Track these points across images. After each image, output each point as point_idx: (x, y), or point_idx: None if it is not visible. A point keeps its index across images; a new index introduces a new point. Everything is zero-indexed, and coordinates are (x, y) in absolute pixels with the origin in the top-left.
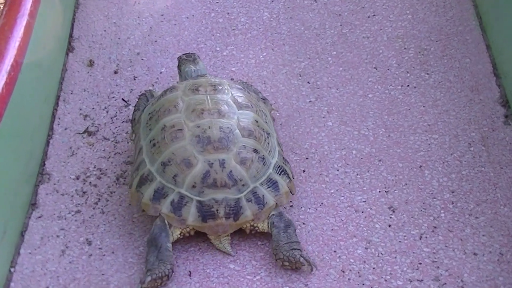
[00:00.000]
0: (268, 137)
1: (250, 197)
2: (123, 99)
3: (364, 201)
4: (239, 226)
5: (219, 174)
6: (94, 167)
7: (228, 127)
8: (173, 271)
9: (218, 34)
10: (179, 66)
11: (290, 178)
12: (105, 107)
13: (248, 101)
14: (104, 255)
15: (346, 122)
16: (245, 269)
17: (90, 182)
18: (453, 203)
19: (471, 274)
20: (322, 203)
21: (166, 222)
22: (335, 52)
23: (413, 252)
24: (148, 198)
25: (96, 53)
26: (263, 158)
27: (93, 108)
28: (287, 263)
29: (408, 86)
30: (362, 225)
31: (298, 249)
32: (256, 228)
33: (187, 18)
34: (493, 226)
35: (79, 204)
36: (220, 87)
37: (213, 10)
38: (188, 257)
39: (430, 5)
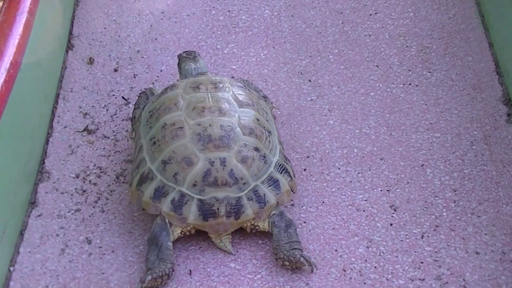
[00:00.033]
0: (269, 135)
1: (251, 196)
2: (123, 97)
3: (365, 200)
4: (240, 225)
5: (220, 172)
6: (94, 166)
7: (229, 125)
8: (173, 270)
9: (218, 32)
10: (179, 64)
11: (291, 177)
12: (105, 105)
13: (249, 99)
14: (104, 254)
15: (348, 120)
16: (246, 268)
17: (90, 181)
18: (455, 202)
19: (473, 273)
20: (323, 202)
21: (166, 221)
22: (336, 50)
23: (415, 251)
24: (149, 196)
25: (96, 51)
26: (264, 157)
27: (93, 106)
28: (287, 263)
29: (410, 84)
30: (363, 224)
31: (299, 249)
32: (257, 227)
33: (188, 15)
34: (496, 225)
35: (79, 202)
36: (221, 85)
37: (213, 7)
38: (189, 256)
39: (432, 3)
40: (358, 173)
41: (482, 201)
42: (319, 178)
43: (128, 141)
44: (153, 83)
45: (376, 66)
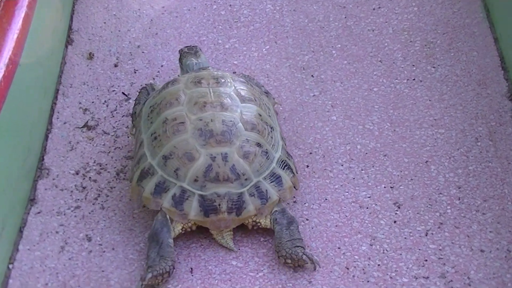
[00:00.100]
0: (271, 131)
1: (253, 192)
2: (123, 93)
3: (369, 197)
4: (242, 221)
5: (221, 168)
6: (94, 162)
7: (231, 121)
8: (174, 268)
9: (220, 27)
10: (180, 59)
11: (293, 173)
12: (105, 101)
13: (251, 94)
14: (104, 252)
15: (351, 116)
16: (248, 266)
17: (89, 177)
18: (459, 199)
19: (478, 271)
20: (326, 199)
21: (167, 217)
22: (339, 45)
23: (419, 249)
24: (149, 192)
25: (95, 46)
26: (267, 152)
27: (92, 102)
28: (289, 261)
29: (414, 80)
30: (366, 221)
31: (301, 247)
32: (259, 224)
33: (189, 10)
34: (501, 222)
35: (78, 199)
36: (223, 80)
37: (215, 2)
38: (190, 253)
39: None
40: (362, 170)
41: (487, 198)
42: (322, 174)
43: (128, 137)
44: (153, 79)
45: (380, 61)
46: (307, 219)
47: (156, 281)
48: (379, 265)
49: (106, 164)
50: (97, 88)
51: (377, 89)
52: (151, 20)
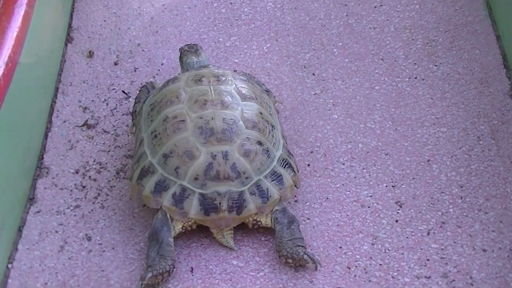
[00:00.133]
0: (272, 129)
1: (254, 190)
2: (123, 91)
3: (370, 196)
4: (242, 220)
5: (222, 166)
6: (94, 161)
7: (231, 119)
8: (174, 267)
9: (220, 25)
10: (180, 58)
11: (294, 172)
12: (105, 99)
13: (252, 92)
14: (104, 251)
15: (352, 115)
16: (249, 265)
17: (89, 176)
18: (461, 198)
19: (480, 270)
20: (327, 198)
21: (167, 215)
22: (340, 43)
23: (421, 248)
24: (149, 190)
25: (95, 44)
26: (267, 151)
27: (92, 101)
28: (290, 260)
29: (415, 78)
30: (368, 221)
31: (302, 246)
32: (259, 223)
33: (189, 8)
34: (503, 221)
35: (78, 198)
36: (224, 78)
37: (215, 0)
38: (190, 253)
39: None
40: (363, 169)
41: (490, 197)
42: (323, 173)
43: (128, 136)
44: (154, 77)
45: (381, 59)
46: (308, 218)
47: (156, 280)
48: (380, 264)
49: (106, 163)
50: (97, 87)
51: (378, 87)
52: (151, 18)
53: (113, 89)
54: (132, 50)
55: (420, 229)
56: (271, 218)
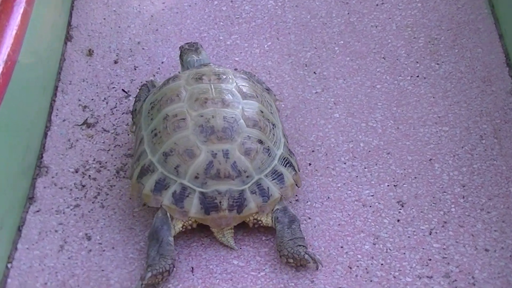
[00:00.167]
0: (273, 128)
1: (255, 189)
2: (123, 90)
3: (372, 195)
4: (243, 219)
5: (222, 165)
6: (94, 160)
7: (232, 117)
8: (174, 266)
9: (221, 23)
10: (181, 56)
11: (295, 171)
12: (104, 98)
13: (253, 91)
14: (104, 251)
15: (354, 113)
16: (249, 265)
17: (89, 175)
18: (464, 197)
19: (482, 270)
20: (328, 197)
21: (168, 214)
22: (342, 42)
23: (423, 248)
24: (149, 189)
25: (95, 42)
26: (268, 149)
27: (92, 99)
28: (291, 260)
29: (417, 76)
30: (370, 220)
31: (303, 246)
32: (260, 222)
33: (189, 6)
34: (506, 221)
35: (78, 198)
36: (224, 76)
37: None
38: (191, 252)
39: None
40: (365, 168)
41: (492, 197)
42: (324, 172)
43: (128, 134)
44: (154, 75)
45: (383, 58)
46: (309, 218)
47: (156, 280)
48: (382, 264)
49: (106, 162)
50: (96, 85)
51: (380, 86)
52: (152, 16)
53: (113, 87)
54: (132, 49)
55: (422, 229)
56: (272, 218)
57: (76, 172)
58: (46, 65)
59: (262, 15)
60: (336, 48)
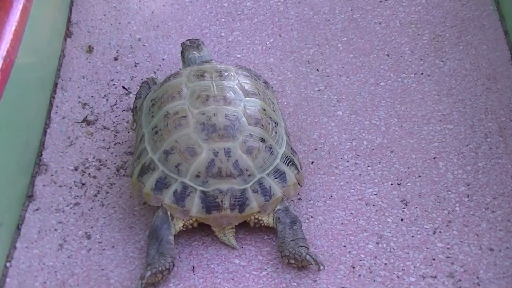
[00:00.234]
0: (275, 126)
1: (257, 188)
2: (123, 87)
3: (375, 194)
4: (245, 218)
5: (224, 163)
6: (93, 158)
7: (234, 115)
8: (174, 264)
9: (223, 19)
10: (182, 53)
11: (298, 169)
12: (104, 95)
13: (255, 88)
14: (104, 250)
15: (357, 111)
16: (251, 265)
17: (89, 174)
18: (468, 196)
19: (487, 270)
20: (331, 196)
21: (168, 213)
22: (345, 38)
23: (427, 248)
24: (150, 188)
25: (95, 39)
26: (270, 148)
27: (92, 96)
28: (293, 261)
29: (421, 74)
30: (373, 219)
31: (305, 247)
32: (261, 222)
33: (191, 2)
34: (511, 220)
35: (77, 196)
36: (226, 74)
37: None
38: (192, 251)
39: None
40: (368, 166)
41: (497, 196)
42: (327, 171)
43: (128, 132)
44: (154, 72)
45: (387, 55)
46: (312, 217)
47: (156, 279)
48: (385, 264)
49: (106, 160)
50: (96, 82)
51: (384, 83)
52: (152, 12)
53: (113, 84)
54: (132, 45)
55: (426, 228)
56: (273, 218)
57: (76, 170)
58: (45, 62)
59: (264, 11)
60: (339, 45)
